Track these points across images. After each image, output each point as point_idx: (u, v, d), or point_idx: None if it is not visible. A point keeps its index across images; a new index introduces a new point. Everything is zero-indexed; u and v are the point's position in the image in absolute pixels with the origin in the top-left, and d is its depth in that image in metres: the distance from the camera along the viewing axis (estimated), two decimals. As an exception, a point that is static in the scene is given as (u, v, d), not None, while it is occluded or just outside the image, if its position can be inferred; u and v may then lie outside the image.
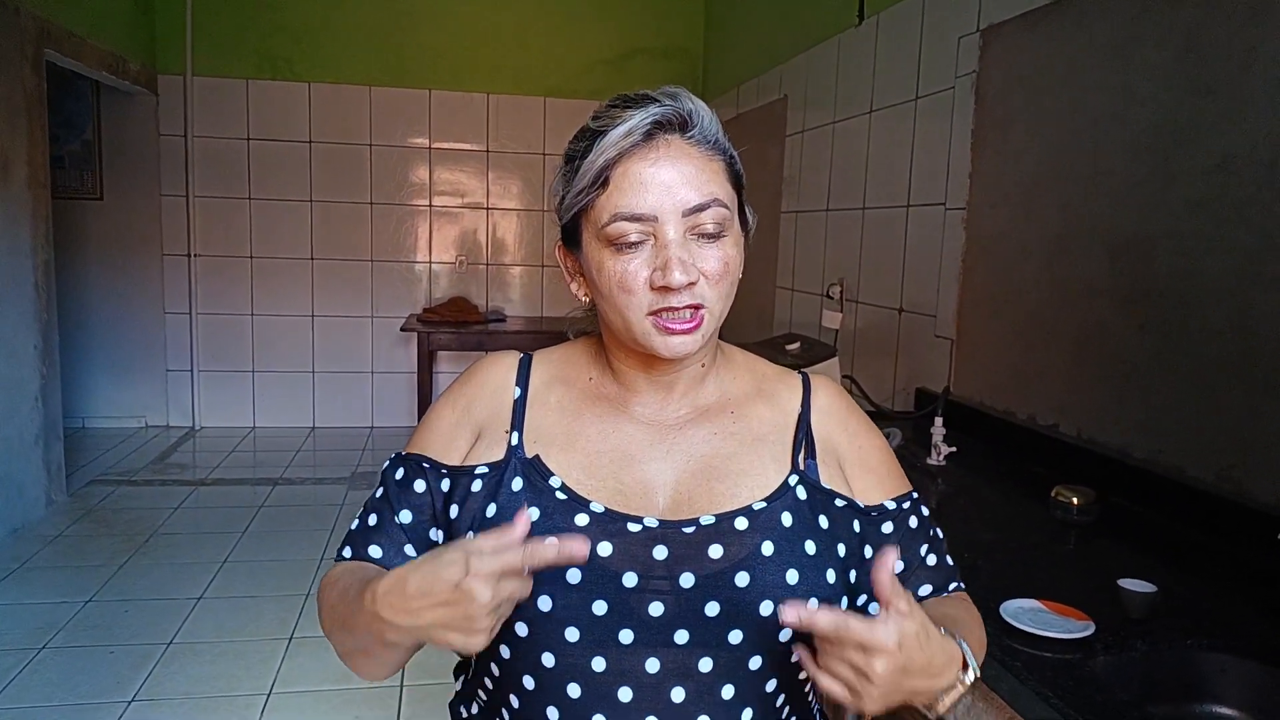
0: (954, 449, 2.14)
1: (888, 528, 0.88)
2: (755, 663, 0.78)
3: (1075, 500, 1.72)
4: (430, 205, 5.68)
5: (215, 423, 5.60)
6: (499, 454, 0.86)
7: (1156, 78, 1.80)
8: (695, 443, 0.86)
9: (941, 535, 0.90)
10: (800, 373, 0.95)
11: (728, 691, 0.78)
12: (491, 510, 0.82)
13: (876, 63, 3.13)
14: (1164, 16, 1.78)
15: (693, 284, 0.78)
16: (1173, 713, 1.19)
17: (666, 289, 0.77)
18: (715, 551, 0.79)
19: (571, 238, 0.86)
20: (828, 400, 0.92)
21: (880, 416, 2.64)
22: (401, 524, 0.87)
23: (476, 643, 0.66)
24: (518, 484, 0.83)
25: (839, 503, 0.86)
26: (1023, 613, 1.23)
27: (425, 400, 5.01)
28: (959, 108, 2.54)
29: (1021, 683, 1.08)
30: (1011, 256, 2.28)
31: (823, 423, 0.90)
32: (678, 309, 0.78)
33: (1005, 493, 1.97)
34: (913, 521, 0.88)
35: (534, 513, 0.79)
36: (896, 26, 2.99)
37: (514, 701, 0.81)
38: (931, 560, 0.87)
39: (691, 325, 0.78)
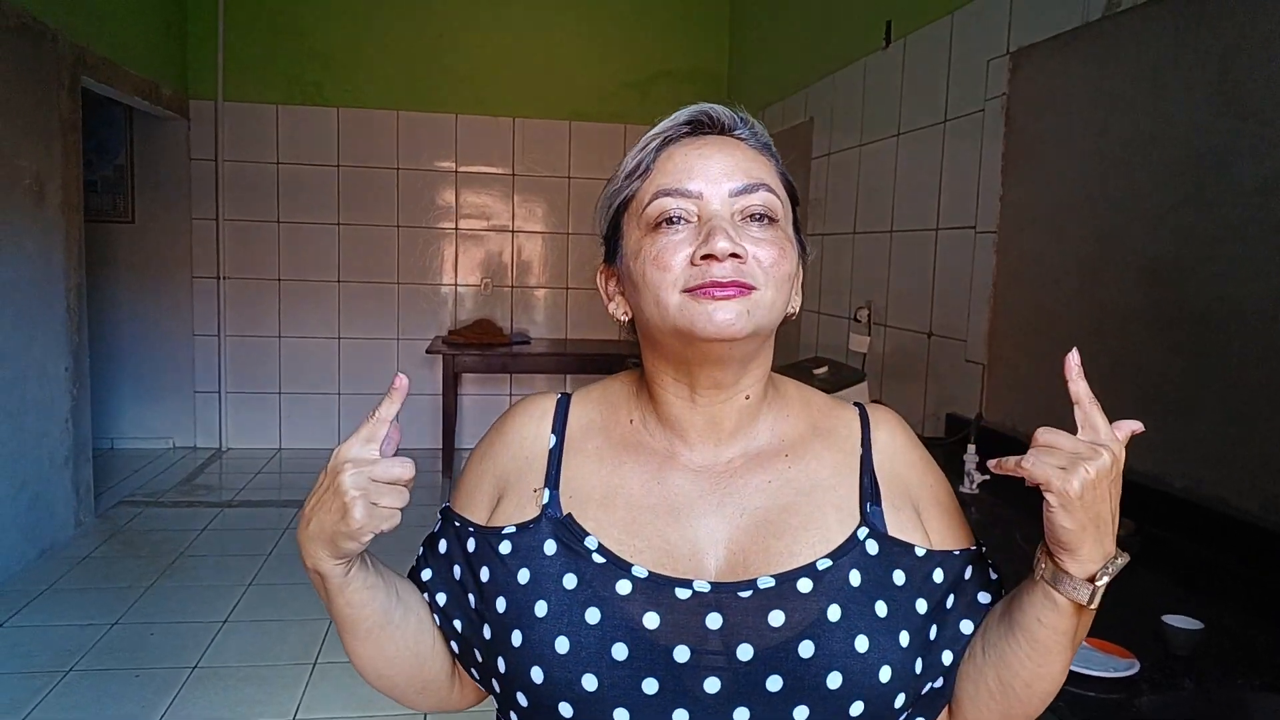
0: (987, 477, 2.11)
1: (939, 575, 0.78)
2: None
3: (1114, 531, 1.68)
4: (456, 228, 5.72)
5: (242, 444, 5.64)
6: (531, 512, 0.79)
7: (1191, 101, 1.77)
8: (749, 493, 0.77)
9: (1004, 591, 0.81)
10: (855, 404, 0.88)
11: None
12: (524, 576, 0.75)
13: (904, 85, 3.12)
14: (1199, 39, 1.75)
15: (740, 258, 0.70)
16: (1223, 756, 1.15)
17: (710, 258, 0.70)
18: (776, 619, 0.71)
19: (612, 249, 0.81)
20: (889, 435, 0.84)
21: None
22: (424, 581, 0.83)
23: (353, 520, 0.67)
24: (551, 547, 0.76)
25: (919, 552, 0.77)
26: (1064, 650, 1.20)
27: (450, 422, 5.02)
28: (989, 130, 2.52)
29: (1065, 724, 1.05)
30: (1044, 280, 2.25)
31: (887, 462, 0.82)
32: (721, 283, 0.69)
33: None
34: (968, 574, 0.80)
35: (570, 580, 0.73)
36: (924, 49, 2.97)
37: None
38: (984, 599, 0.78)
39: (735, 293, 0.70)
